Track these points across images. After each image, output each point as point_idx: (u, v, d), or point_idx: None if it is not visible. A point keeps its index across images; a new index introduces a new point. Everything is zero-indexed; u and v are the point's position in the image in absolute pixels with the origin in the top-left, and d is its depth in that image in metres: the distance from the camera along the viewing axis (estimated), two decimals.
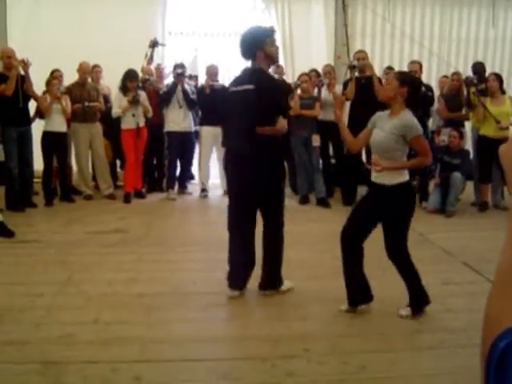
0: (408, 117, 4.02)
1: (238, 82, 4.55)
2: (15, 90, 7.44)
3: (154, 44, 9.18)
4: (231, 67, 16.22)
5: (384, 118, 4.14)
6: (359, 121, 7.17)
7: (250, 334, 3.92)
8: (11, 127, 7.58)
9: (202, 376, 3.35)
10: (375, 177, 4.11)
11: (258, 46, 4.41)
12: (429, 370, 3.43)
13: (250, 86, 4.35)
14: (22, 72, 7.64)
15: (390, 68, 9.03)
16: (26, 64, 7.54)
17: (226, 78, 15.17)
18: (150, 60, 9.22)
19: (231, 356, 3.59)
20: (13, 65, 7.45)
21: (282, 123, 4.37)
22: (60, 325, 4.01)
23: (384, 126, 4.06)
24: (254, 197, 4.50)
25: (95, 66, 8.99)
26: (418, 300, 4.22)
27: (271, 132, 4.34)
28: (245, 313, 4.38)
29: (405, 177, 4.07)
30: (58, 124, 8.17)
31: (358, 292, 4.27)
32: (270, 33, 4.53)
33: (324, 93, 8.64)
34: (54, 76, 8.36)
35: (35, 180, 8.36)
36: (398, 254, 4.12)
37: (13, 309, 4.29)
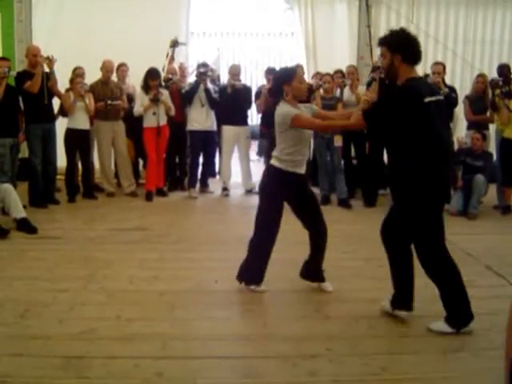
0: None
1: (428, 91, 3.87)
2: (40, 87, 7.50)
3: (174, 44, 9.26)
4: (253, 66, 16.34)
5: None
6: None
7: (273, 332, 3.93)
8: (36, 124, 7.67)
9: (224, 374, 3.36)
10: None
11: None
12: (450, 373, 3.40)
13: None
14: (47, 69, 7.71)
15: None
16: (51, 61, 7.61)
17: (247, 78, 15.29)
18: (172, 59, 9.28)
19: (253, 354, 3.59)
20: (38, 62, 7.52)
21: None
22: (83, 320, 4.05)
23: None
24: None
25: (122, 65, 9.02)
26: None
27: None
28: (267, 311, 4.39)
29: None
30: (81, 121, 8.22)
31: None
32: None
33: (346, 93, 8.64)
34: (76, 74, 8.38)
35: (58, 177, 8.43)
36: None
37: (36, 304, 4.35)
